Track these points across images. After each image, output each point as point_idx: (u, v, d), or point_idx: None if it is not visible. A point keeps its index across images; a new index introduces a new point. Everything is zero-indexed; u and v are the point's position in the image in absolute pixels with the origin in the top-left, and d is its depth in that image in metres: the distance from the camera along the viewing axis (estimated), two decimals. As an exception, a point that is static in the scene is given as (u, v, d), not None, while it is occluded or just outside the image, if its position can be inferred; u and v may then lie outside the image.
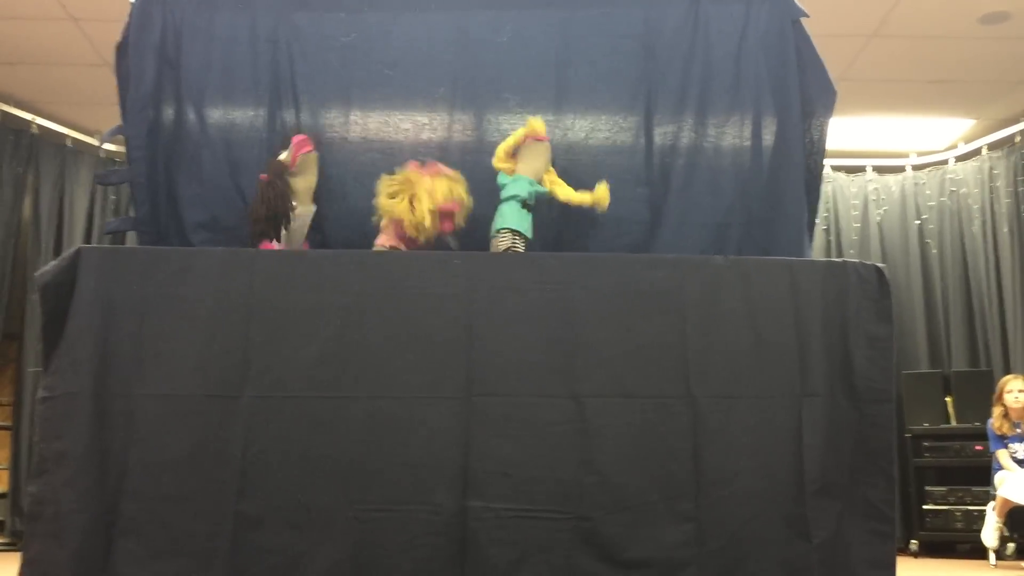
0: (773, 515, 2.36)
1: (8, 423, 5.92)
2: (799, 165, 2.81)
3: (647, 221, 2.83)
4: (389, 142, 2.91)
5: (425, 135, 2.91)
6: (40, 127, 5.93)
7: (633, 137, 2.88)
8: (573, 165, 2.87)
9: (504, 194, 2.68)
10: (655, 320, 2.45)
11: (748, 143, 2.86)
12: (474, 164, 2.85)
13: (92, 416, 2.36)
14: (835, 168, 6.56)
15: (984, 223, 6.17)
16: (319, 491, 2.35)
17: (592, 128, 2.89)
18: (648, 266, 2.51)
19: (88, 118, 6.04)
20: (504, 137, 2.82)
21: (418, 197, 2.66)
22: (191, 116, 2.92)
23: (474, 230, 2.74)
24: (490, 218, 2.70)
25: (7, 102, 5.77)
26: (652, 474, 2.37)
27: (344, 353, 2.41)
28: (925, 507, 5.65)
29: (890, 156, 6.67)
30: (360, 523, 2.34)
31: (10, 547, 5.48)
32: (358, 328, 2.43)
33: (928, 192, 6.50)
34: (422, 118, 2.90)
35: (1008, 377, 5.49)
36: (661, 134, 2.88)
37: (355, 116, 2.92)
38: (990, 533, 5.21)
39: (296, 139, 2.78)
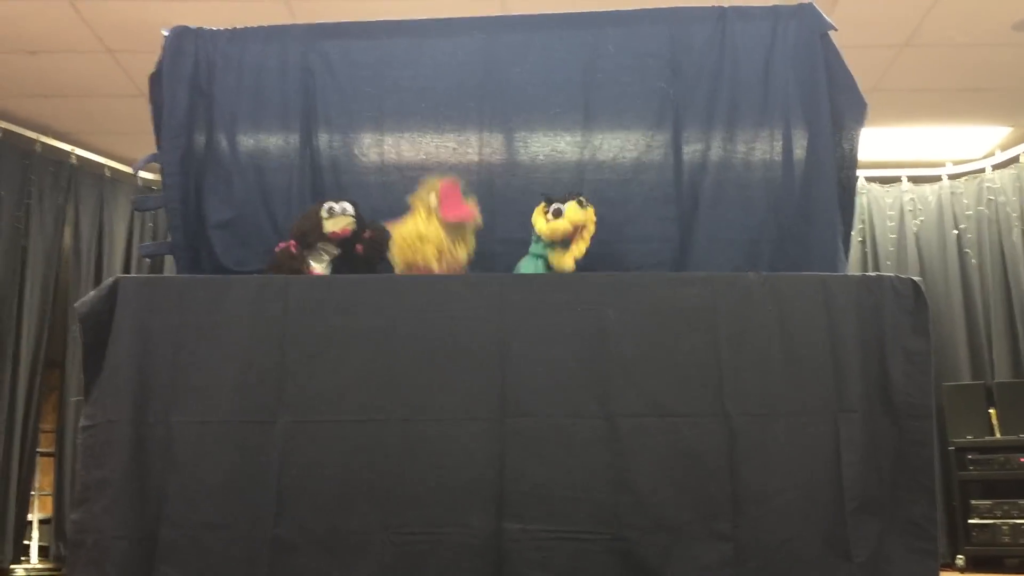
0: (812, 534, 2.33)
1: (51, 449, 6.00)
2: (831, 179, 2.78)
3: (677, 239, 2.82)
4: (420, 166, 2.93)
5: (455, 158, 2.93)
6: (79, 158, 6.03)
7: (662, 155, 2.88)
8: (602, 184, 2.87)
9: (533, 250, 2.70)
10: (688, 338, 2.44)
11: (779, 158, 2.84)
12: (504, 186, 2.87)
13: (132, 444, 2.39)
14: (870, 179, 6.49)
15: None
16: (355, 515, 2.36)
17: (621, 147, 2.89)
18: (680, 284, 2.50)
19: (126, 148, 6.13)
20: (533, 158, 2.85)
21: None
22: (223, 144, 2.97)
23: (504, 252, 2.75)
24: (519, 240, 2.70)
25: (46, 134, 5.87)
26: (688, 493, 2.36)
27: (378, 377, 2.43)
28: (971, 521, 5.54)
29: (926, 166, 6.58)
30: (396, 547, 2.34)
31: (54, 572, 5.55)
32: (391, 352, 2.44)
33: (965, 201, 6.41)
34: (452, 142, 2.92)
35: (1053, 388, 5.39)
36: (690, 151, 2.87)
37: (386, 141, 2.95)
38: (1038, 547, 5.11)
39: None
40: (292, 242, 2.72)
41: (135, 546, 2.35)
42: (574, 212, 2.62)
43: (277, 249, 2.75)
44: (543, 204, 2.66)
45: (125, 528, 2.35)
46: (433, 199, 2.52)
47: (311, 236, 2.72)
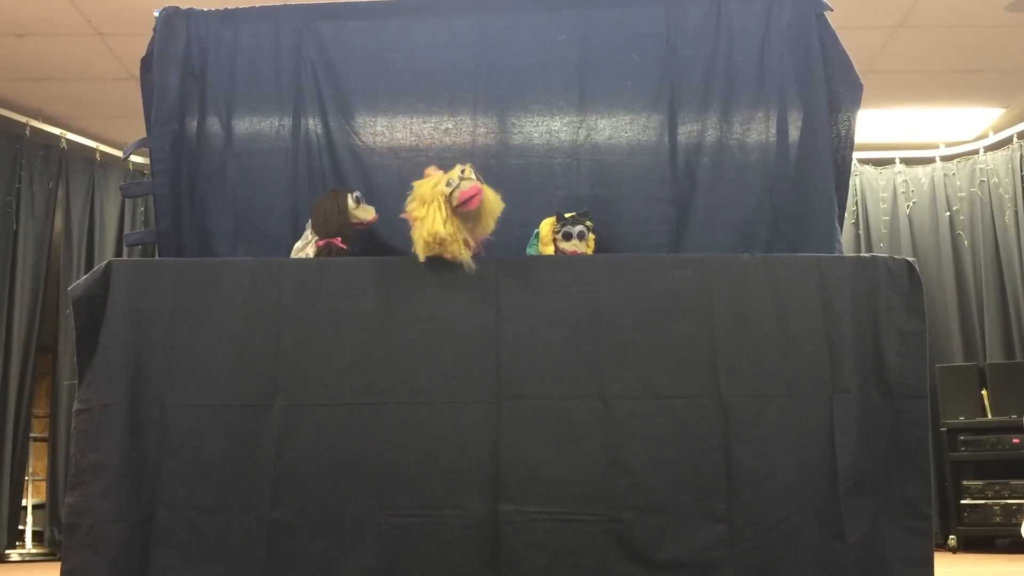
0: (806, 514, 2.35)
1: (45, 435, 5.99)
2: (827, 160, 2.78)
3: (674, 220, 2.82)
4: (414, 148, 2.92)
5: (450, 140, 2.92)
6: (69, 142, 5.99)
7: (657, 136, 2.87)
8: (598, 165, 2.87)
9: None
10: (683, 320, 2.44)
11: (774, 139, 2.84)
12: (499, 167, 2.85)
13: (127, 427, 2.39)
14: (863, 161, 6.49)
15: (1016, 213, 6.08)
16: (351, 497, 2.37)
17: (616, 128, 2.89)
18: (675, 265, 2.50)
19: (116, 132, 6.09)
20: (528, 139, 2.86)
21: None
22: (216, 127, 2.94)
23: (499, 232, 2.74)
24: (515, 221, 2.70)
25: (36, 118, 5.83)
26: (683, 475, 2.37)
27: (373, 360, 2.43)
28: (963, 502, 5.58)
29: (919, 148, 6.59)
30: (392, 528, 2.35)
31: (49, 557, 5.55)
32: (386, 334, 2.44)
33: (958, 183, 6.42)
34: (447, 123, 2.91)
35: (1045, 369, 5.41)
36: (686, 132, 2.87)
37: (380, 123, 2.94)
38: (1030, 527, 5.14)
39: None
40: (336, 239, 2.64)
41: (131, 529, 2.35)
42: (577, 247, 2.62)
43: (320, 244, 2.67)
44: (555, 219, 2.65)
45: (121, 512, 2.35)
46: (447, 190, 2.48)
47: (342, 227, 2.66)
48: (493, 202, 2.53)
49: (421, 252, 2.46)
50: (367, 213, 2.71)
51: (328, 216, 2.65)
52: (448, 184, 2.46)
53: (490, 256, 2.60)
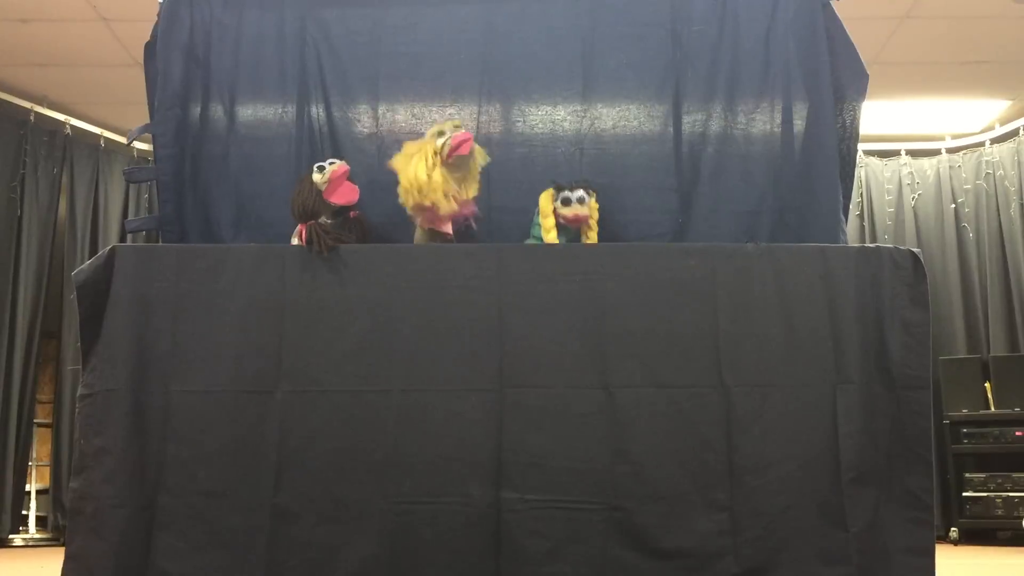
0: (809, 504, 2.35)
1: (48, 420, 6.01)
2: (832, 150, 2.78)
3: (677, 210, 2.82)
4: (418, 135, 2.91)
5: (453, 128, 2.91)
6: (73, 128, 5.99)
7: (662, 126, 2.87)
8: (602, 154, 2.86)
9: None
10: (686, 309, 2.44)
11: (779, 129, 2.83)
12: (502, 156, 2.85)
13: (130, 413, 2.40)
14: (868, 152, 6.48)
15: (1022, 205, 6.06)
16: (354, 484, 2.37)
17: (620, 117, 2.88)
18: (679, 255, 2.50)
19: (121, 118, 6.09)
20: (532, 128, 2.85)
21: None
22: (220, 114, 2.94)
23: (501, 221, 2.75)
24: (518, 210, 2.70)
25: (40, 103, 5.83)
26: (685, 464, 2.37)
27: (377, 347, 2.43)
28: (965, 494, 5.58)
29: (924, 139, 6.57)
30: (395, 516, 2.36)
31: (52, 542, 5.57)
32: (390, 322, 2.44)
33: (964, 175, 6.40)
34: (450, 111, 2.90)
35: (1048, 361, 5.40)
36: (690, 122, 2.86)
37: (383, 110, 2.93)
38: (1031, 520, 5.14)
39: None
40: (311, 222, 2.56)
41: (134, 514, 2.36)
42: (578, 210, 2.61)
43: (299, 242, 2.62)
44: (551, 190, 2.65)
45: (124, 496, 2.36)
46: (440, 145, 2.50)
47: (316, 207, 2.60)
48: (479, 154, 2.58)
49: (403, 199, 2.54)
50: (334, 172, 2.61)
51: (306, 205, 2.60)
52: (440, 135, 2.51)
53: (493, 244, 2.60)
